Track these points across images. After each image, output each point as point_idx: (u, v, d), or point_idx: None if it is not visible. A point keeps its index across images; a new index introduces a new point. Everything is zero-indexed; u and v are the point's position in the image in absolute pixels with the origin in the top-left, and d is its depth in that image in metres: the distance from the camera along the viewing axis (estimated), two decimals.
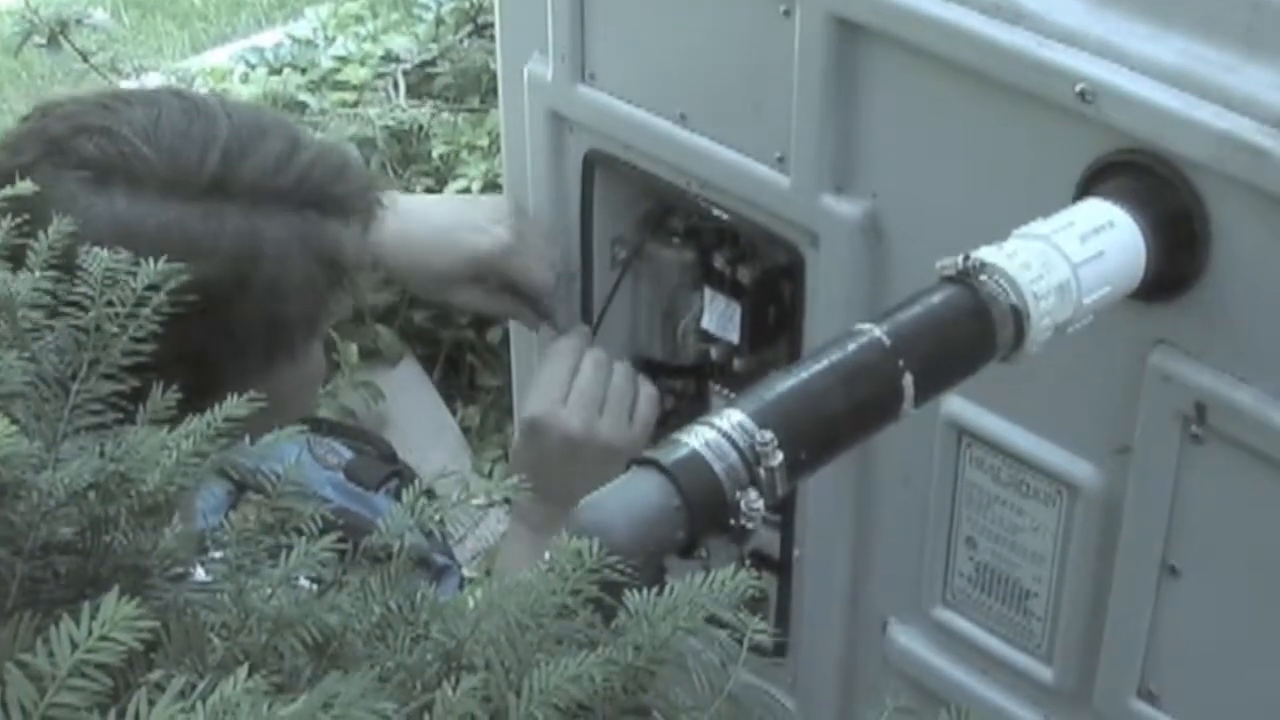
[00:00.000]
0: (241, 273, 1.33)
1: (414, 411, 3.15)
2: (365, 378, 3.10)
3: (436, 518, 0.98)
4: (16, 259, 1.00)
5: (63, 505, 0.86)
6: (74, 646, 0.63)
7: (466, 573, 2.35)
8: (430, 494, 1.00)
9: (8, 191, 1.11)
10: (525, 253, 1.83)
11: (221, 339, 1.32)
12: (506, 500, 2.35)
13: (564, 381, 1.80)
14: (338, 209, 1.40)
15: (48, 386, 0.92)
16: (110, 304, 0.94)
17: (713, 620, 0.88)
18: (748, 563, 1.82)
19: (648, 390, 1.83)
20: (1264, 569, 1.41)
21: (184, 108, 1.36)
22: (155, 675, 0.80)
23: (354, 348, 3.14)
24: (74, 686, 0.62)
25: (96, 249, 0.98)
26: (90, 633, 0.64)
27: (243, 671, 0.66)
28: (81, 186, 1.31)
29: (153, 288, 0.96)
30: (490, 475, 3.10)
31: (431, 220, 1.85)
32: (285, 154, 1.37)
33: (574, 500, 1.06)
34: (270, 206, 1.35)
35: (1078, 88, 1.34)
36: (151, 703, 0.64)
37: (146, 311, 0.96)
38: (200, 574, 0.93)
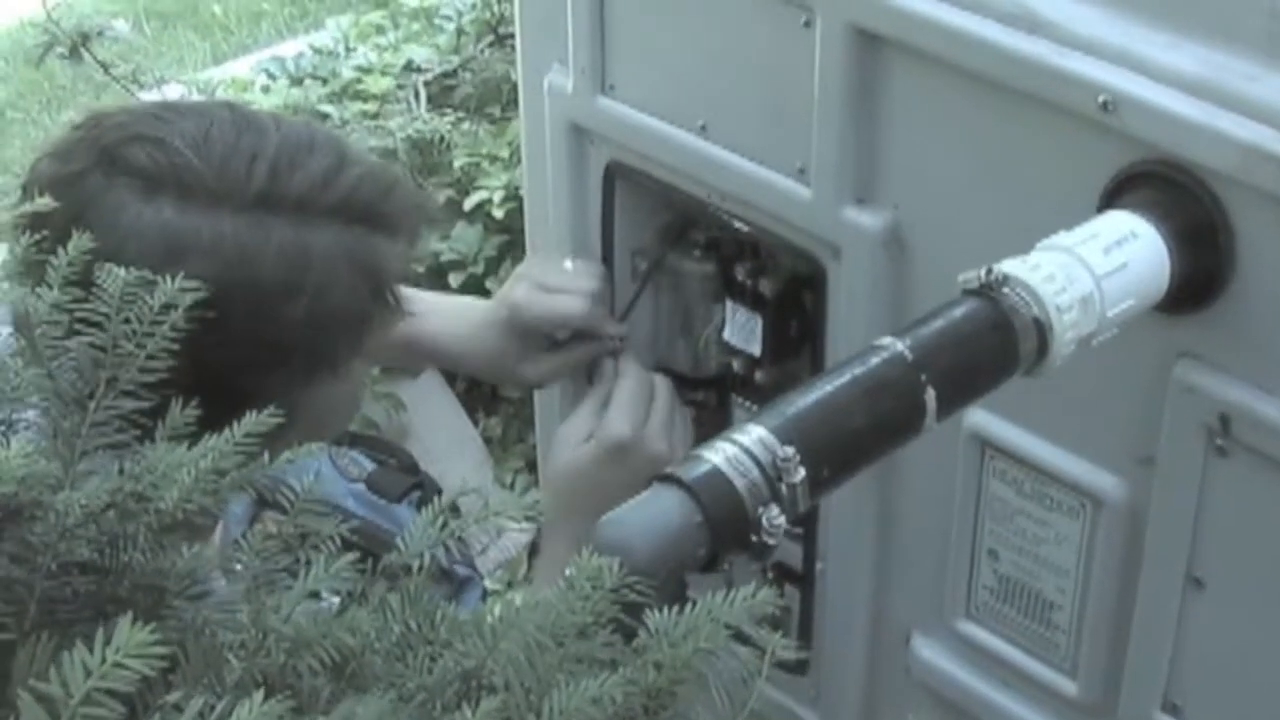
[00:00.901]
0: (289, 284, 1.33)
1: (436, 423, 3.15)
2: (387, 389, 3.10)
3: (456, 535, 0.98)
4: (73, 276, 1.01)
5: (81, 524, 0.86)
6: (87, 673, 0.63)
7: (489, 584, 2.35)
8: (455, 510, 1.00)
9: (29, 208, 1.11)
10: (549, 298, 1.83)
11: (267, 349, 1.33)
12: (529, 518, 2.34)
13: (645, 403, 1.80)
14: (384, 225, 1.40)
15: (65, 405, 0.92)
16: (128, 321, 0.94)
17: (735, 636, 0.88)
18: (770, 576, 1.83)
19: (682, 410, 1.83)
20: None
21: (235, 120, 1.37)
22: (174, 696, 0.80)
23: None
24: (86, 715, 0.62)
25: (112, 266, 0.98)
26: (104, 659, 0.63)
27: (259, 695, 0.66)
28: (131, 195, 1.32)
29: (170, 306, 0.95)
30: (512, 486, 3.10)
31: (467, 316, 1.89)
32: (333, 168, 1.37)
33: None
34: (317, 220, 1.36)
35: (1099, 98, 1.33)
36: None
37: (164, 329, 0.96)
38: (222, 584, 0.93)
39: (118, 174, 1.32)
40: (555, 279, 1.84)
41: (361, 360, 1.46)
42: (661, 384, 1.81)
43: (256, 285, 1.31)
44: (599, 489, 1.73)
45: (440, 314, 1.87)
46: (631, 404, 1.79)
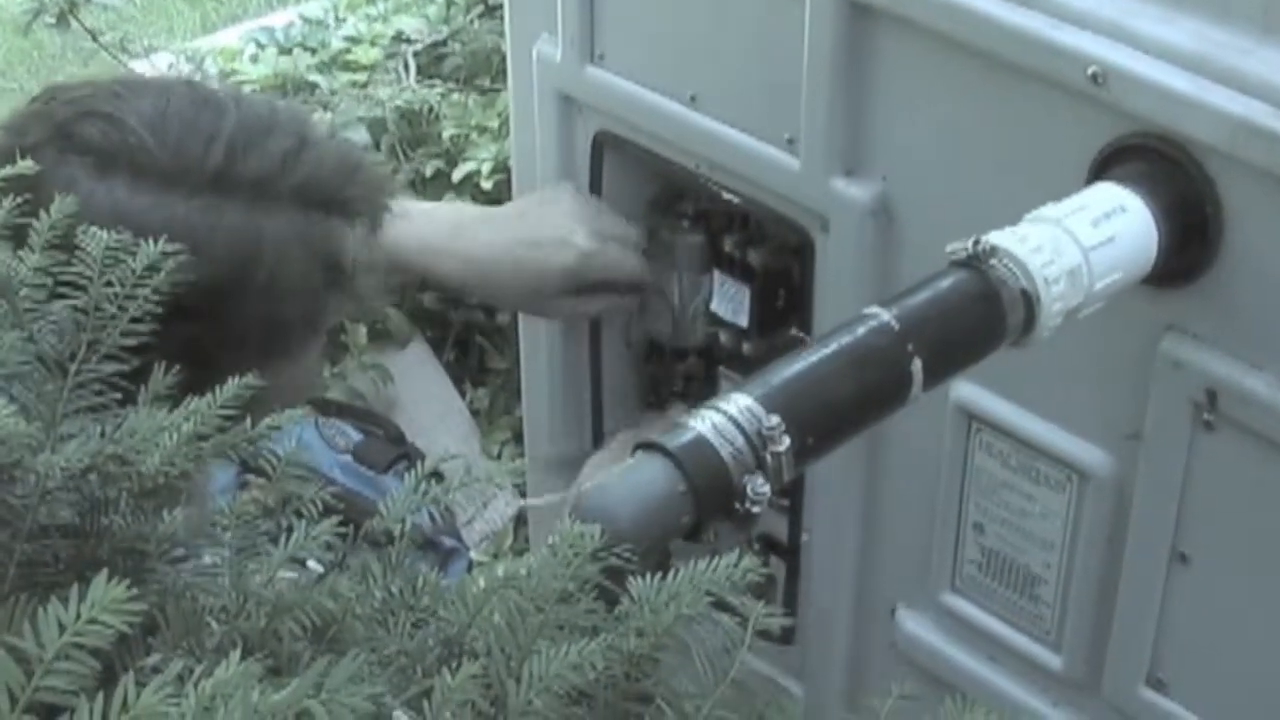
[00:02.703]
0: (240, 270, 1.32)
1: (423, 394, 3.14)
2: (374, 360, 3.09)
3: (443, 500, 0.98)
4: (18, 239, 1.00)
5: (61, 487, 0.85)
6: (62, 629, 0.63)
7: (474, 556, 2.34)
8: (437, 476, 1.00)
9: (8, 171, 1.10)
10: (608, 250, 1.80)
11: (218, 335, 1.31)
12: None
13: None
14: (343, 209, 1.39)
15: (46, 368, 0.92)
16: (109, 284, 0.93)
17: (719, 605, 0.88)
18: (755, 547, 1.83)
19: None
20: (1274, 556, 1.40)
21: (193, 98, 1.36)
22: (153, 659, 0.79)
23: (363, 330, 3.13)
24: (61, 670, 0.62)
25: (95, 229, 0.97)
26: (79, 615, 0.63)
27: (235, 655, 0.65)
28: (84, 172, 1.31)
29: (152, 269, 0.95)
30: (499, 457, 3.10)
31: (495, 242, 1.83)
32: (292, 151, 1.36)
33: None
34: (272, 204, 1.34)
35: (1089, 70, 1.32)
36: (142, 685, 0.64)
37: (146, 292, 0.96)
38: (207, 558, 0.93)
39: (71, 150, 1.32)
40: (612, 229, 1.80)
41: (319, 341, 1.45)
42: None
43: (205, 273, 1.30)
44: None
45: (475, 238, 1.83)
46: None
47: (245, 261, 1.32)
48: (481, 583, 0.88)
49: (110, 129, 1.32)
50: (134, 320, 0.96)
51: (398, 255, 1.77)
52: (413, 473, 0.98)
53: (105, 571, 0.65)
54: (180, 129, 1.33)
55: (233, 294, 1.32)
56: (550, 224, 1.81)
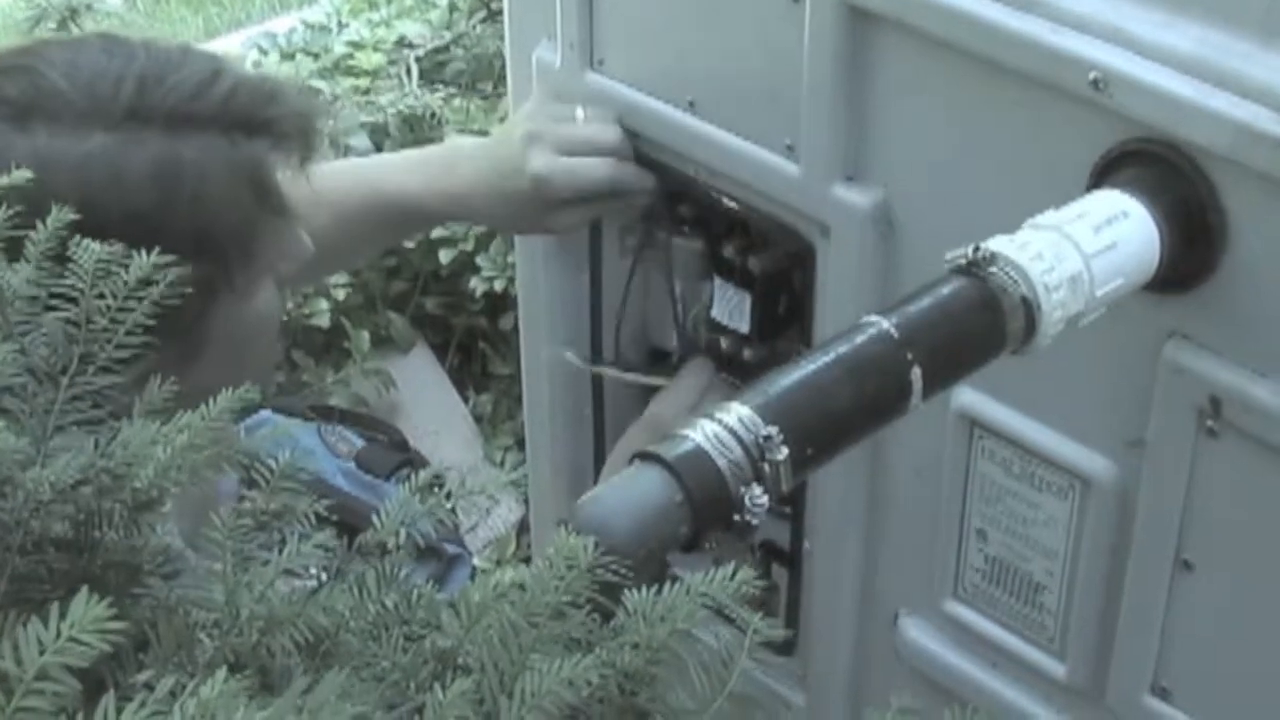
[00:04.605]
0: (163, 196, 1.33)
1: (426, 399, 3.14)
2: (377, 365, 3.10)
3: (447, 506, 0.97)
4: None
5: (54, 501, 0.85)
6: (42, 649, 0.62)
7: (478, 562, 2.34)
8: (436, 483, 0.99)
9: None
10: (569, 166, 1.74)
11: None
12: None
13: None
14: (266, 130, 1.39)
15: (38, 380, 0.91)
16: (101, 296, 0.93)
17: (718, 616, 0.87)
18: (758, 556, 1.82)
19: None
20: (1278, 564, 1.39)
21: (104, 46, 1.38)
22: (144, 675, 0.79)
23: (366, 335, 3.13)
24: (40, 690, 0.61)
25: (91, 242, 0.97)
26: (59, 634, 0.62)
27: (221, 673, 0.65)
28: (5, 127, 1.32)
29: (146, 282, 0.94)
30: (502, 463, 3.10)
31: (471, 175, 1.80)
32: (206, 81, 1.37)
33: None
34: (190, 129, 1.35)
35: (1091, 76, 1.32)
36: (130, 700, 0.63)
37: (143, 305, 0.95)
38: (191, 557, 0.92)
39: None
40: (573, 139, 1.75)
41: (267, 280, 1.45)
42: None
43: (129, 201, 1.31)
44: None
45: (454, 173, 1.81)
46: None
47: (167, 188, 1.33)
48: (477, 596, 0.88)
49: (24, 81, 1.34)
50: (129, 333, 0.95)
51: (385, 197, 1.79)
52: (408, 482, 0.97)
53: (85, 590, 0.64)
54: (91, 72, 1.34)
55: (161, 218, 1.32)
56: (508, 149, 1.77)
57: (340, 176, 1.80)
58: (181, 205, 1.33)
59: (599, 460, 1.97)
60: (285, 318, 1.80)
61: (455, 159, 1.83)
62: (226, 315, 1.38)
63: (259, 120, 1.39)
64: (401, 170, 1.84)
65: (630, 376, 1.90)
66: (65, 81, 1.33)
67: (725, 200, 1.68)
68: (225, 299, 1.38)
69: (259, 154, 1.39)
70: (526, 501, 2.57)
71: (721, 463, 1.06)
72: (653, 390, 1.91)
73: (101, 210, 1.22)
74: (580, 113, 1.75)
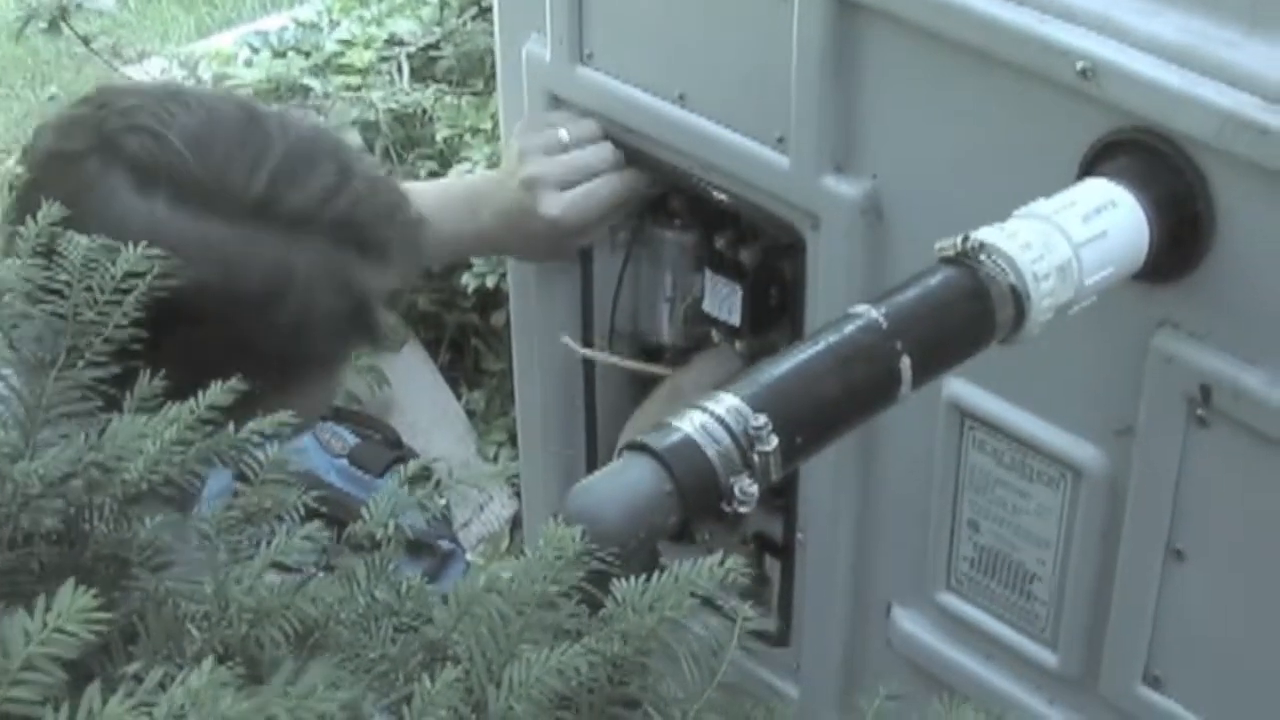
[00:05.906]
0: (268, 298, 1.31)
1: (419, 396, 3.14)
2: (370, 363, 3.09)
3: (440, 500, 0.97)
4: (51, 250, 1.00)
5: (44, 494, 0.85)
6: (28, 639, 0.62)
7: (471, 558, 2.34)
8: (425, 476, 0.99)
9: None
10: (576, 200, 1.76)
11: (238, 355, 1.30)
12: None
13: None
14: (375, 252, 1.37)
15: (27, 373, 0.91)
16: (89, 290, 0.93)
17: (709, 607, 0.87)
18: (750, 547, 1.82)
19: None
20: (1269, 552, 1.39)
21: (240, 119, 1.34)
22: (133, 667, 0.79)
23: None
24: (25, 681, 0.61)
25: (78, 236, 0.97)
26: (45, 625, 0.62)
27: (208, 663, 0.65)
28: (125, 186, 1.29)
29: (133, 275, 0.94)
30: (495, 459, 3.09)
31: (492, 218, 1.82)
32: (333, 187, 1.35)
33: None
34: (307, 234, 1.33)
35: (1078, 65, 1.32)
36: (114, 692, 0.63)
37: (130, 298, 0.95)
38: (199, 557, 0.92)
39: (115, 162, 1.30)
40: (572, 170, 1.76)
41: (332, 379, 1.45)
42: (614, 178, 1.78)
43: (236, 296, 1.30)
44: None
45: (478, 217, 1.82)
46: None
47: (274, 292, 1.31)
48: (467, 587, 0.88)
49: (154, 145, 1.30)
50: (119, 326, 0.95)
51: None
52: (396, 475, 0.97)
53: (72, 581, 0.64)
54: (225, 153, 1.32)
55: (259, 324, 1.31)
56: (517, 196, 1.78)
57: None
58: (283, 313, 1.32)
59: (591, 454, 1.97)
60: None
61: (475, 203, 1.83)
62: (284, 404, 1.37)
63: (372, 240, 1.37)
64: (427, 211, 1.82)
65: (629, 363, 1.90)
66: (194, 156, 1.30)
67: (716, 193, 1.68)
68: (293, 390, 1.35)
69: (365, 275, 1.36)
70: (520, 497, 2.57)
71: (711, 452, 1.06)
72: (647, 381, 1.91)
73: (203, 295, 1.22)
74: (564, 134, 1.76)
